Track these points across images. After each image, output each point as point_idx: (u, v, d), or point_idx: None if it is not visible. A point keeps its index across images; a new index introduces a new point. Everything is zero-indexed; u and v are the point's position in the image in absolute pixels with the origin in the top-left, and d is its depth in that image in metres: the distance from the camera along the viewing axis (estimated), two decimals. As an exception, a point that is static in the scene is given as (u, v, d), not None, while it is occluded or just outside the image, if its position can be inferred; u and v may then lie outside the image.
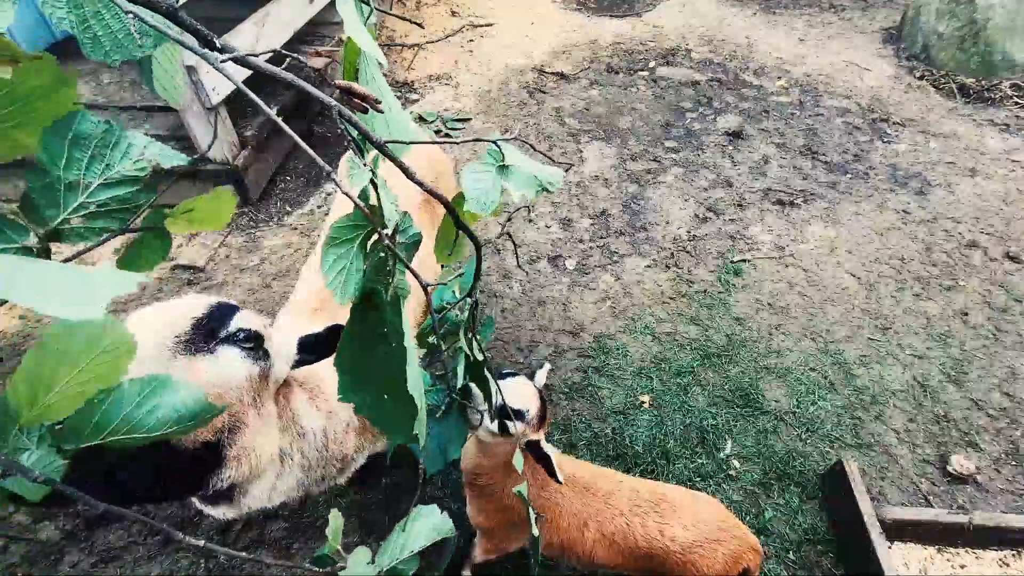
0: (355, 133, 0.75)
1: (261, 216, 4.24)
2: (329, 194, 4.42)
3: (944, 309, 3.63)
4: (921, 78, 5.84)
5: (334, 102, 0.72)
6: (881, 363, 3.33)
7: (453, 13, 7.03)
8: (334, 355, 0.88)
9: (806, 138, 5.08)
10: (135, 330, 1.10)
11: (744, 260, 3.96)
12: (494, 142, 0.91)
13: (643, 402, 3.12)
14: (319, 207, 4.32)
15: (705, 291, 3.74)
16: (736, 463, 2.88)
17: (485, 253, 3.97)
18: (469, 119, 5.20)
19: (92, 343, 0.62)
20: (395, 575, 0.90)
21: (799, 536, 2.62)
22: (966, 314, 3.59)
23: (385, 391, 0.88)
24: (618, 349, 3.38)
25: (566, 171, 4.71)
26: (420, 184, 0.76)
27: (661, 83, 5.81)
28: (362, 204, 0.73)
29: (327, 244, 0.76)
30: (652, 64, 6.10)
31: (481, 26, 6.73)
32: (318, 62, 5.08)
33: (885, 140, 5.06)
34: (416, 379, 0.84)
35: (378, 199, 0.77)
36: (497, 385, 1.32)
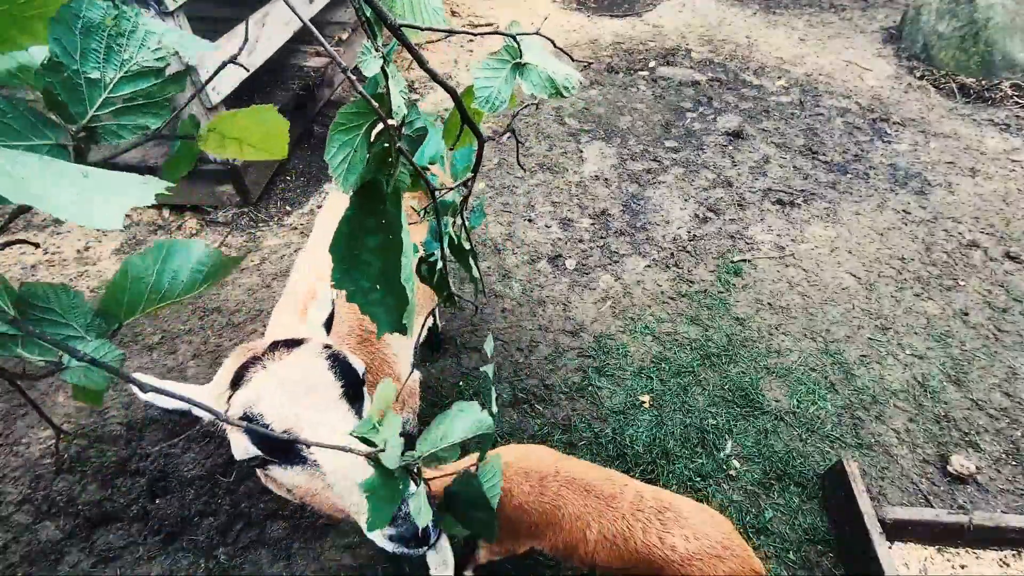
0: (369, 13, 0.72)
1: (261, 216, 4.24)
2: (329, 194, 4.42)
3: (944, 309, 3.63)
4: (921, 78, 5.83)
5: None
6: (881, 363, 3.33)
7: (453, 13, 7.03)
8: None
9: (806, 138, 5.08)
10: (313, 426, 1.13)
11: (744, 260, 3.96)
12: (513, 36, 0.88)
13: (643, 402, 3.12)
14: (319, 207, 4.32)
15: (705, 291, 3.74)
16: (736, 463, 2.88)
17: (484, 253, 3.97)
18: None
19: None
20: (436, 459, 0.91)
21: (799, 536, 2.62)
22: (966, 314, 3.59)
23: (378, 281, 0.88)
24: (618, 349, 3.38)
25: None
26: (431, 73, 0.74)
27: (661, 83, 5.81)
28: (367, 94, 0.71)
29: (333, 129, 0.74)
30: (652, 64, 6.10)
31: (481, 26, 6.73)
32: (318, 62, 5.09)
33: (885, 140, 5.06)
34: (409, 271, 0.84)
35: (387, 89, 0.75)
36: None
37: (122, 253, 3.91)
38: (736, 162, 4.82)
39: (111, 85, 0.69)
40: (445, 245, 1.04)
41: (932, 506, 2.70)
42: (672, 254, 4.01)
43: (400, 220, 0.84)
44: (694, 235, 4.15)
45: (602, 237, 4.12)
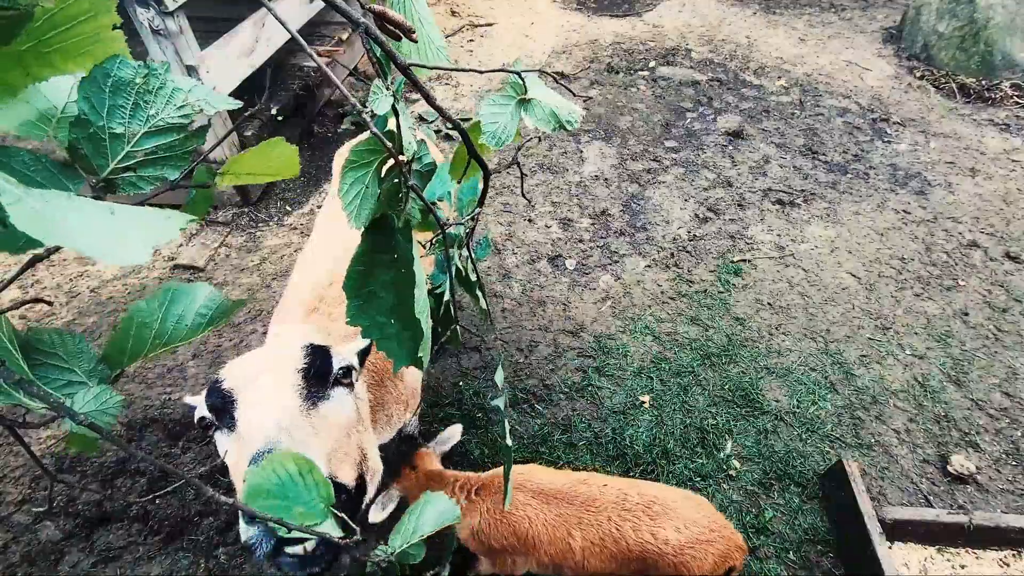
0: (379, 53, 0.74)
1: (261, 216, 4.24)
2: (328, 195, 4.43)
3: (944, 309, 3.63)
4: (921, 78, 5.84)
5: (360, 19, 0.71)
6: (881, 363, 3.33)
7: (453, 13, 7.03)
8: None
9: (806, 138, 5.07)
10: (255, 390, 1.15)
11: (744, 260, 3.96)
12: (518, 73, 0.90)
13: (643, 402, 3.12)
14: (319, 207, 4.32)
15: (705, 291, 3.74)
16: (736, 463, 2.88)
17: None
18: (469, 119, 5.20)
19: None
20: (405, 558, 0.91)
21: (799, 536, 2.62)
22: (966, 314, 3.59)
23: (392, 315, 0.89)
24: (618, 349, 3.38)
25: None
26: (440, 111, 0.76)
27: (661, 83, 5.81)
28: (378, 131, 0.73)
29: (346, 167, 0.76)
30: (652, 64, 6.10)
31: (481, 26, 6.73)
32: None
33: (885, 140, 5.06)
34: (423, 304, 0.86)
35: (397, 126, 0.77)
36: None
37: (122, 253, 3.91)
38: (736, 162, 4.82)
39: (134, 140, 0.71)
40: (453, 275, 1.05)
41: (932, 506, 2.70)
42: (672, 254, 4.01)
43: (412, 254, 0.86)
44: (694, 235, 4.15)
45: (602, 237, 4.12)
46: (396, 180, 0.82)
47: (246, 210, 4.25)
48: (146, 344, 0.72)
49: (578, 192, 4.51)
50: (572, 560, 1.92)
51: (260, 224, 4.18)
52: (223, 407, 1.22)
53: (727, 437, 2.98)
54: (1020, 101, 5.39)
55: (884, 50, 6.33)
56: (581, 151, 4.92)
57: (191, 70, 3.52)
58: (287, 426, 1.12)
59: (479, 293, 1.14)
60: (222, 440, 1.25)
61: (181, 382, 3.16)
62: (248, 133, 4.17)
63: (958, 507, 2.71)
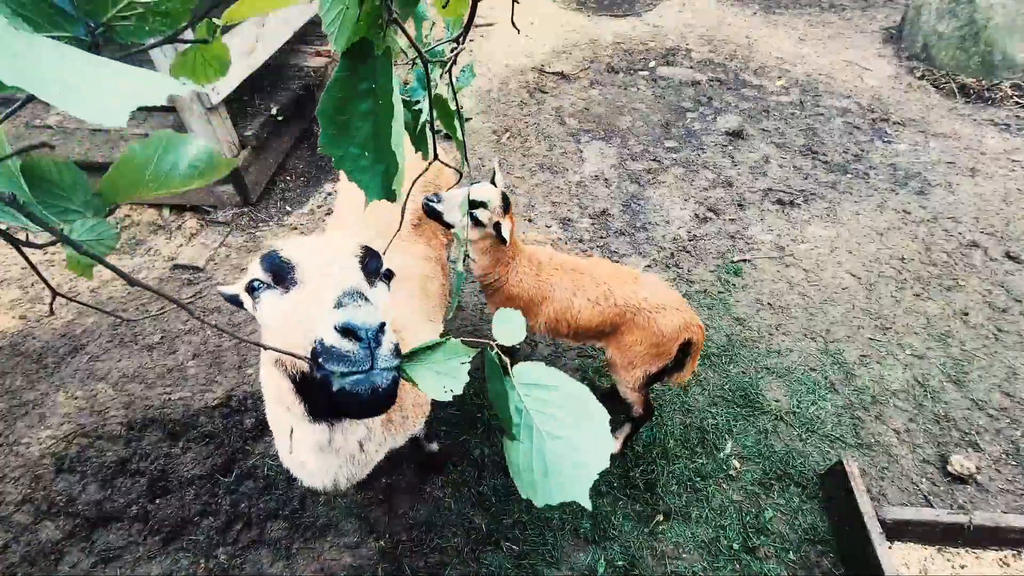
0: None
1: (261, 216, 4.24)
2: (329, 194, 4.42)
3: (944, 309, 3.63)
4: (921, 78, 5.84)
5: None
6: (881, 363, 3.33)
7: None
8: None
9: (806, 138, 5.08)
10: (341, 255, 1.25)
11: (744, 260, 3.96)
12: None
13: (643, 402, 3.12)
14: (319, 207, 4.32)
15: (705, 291, 3.74)
16: (736, 463, 2.88)
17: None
18: (469, 119, 5.20)
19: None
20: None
21: (799, 536, 2.62)
22: (966, 314, 3.59)
23: (367, 147, 0.87)
24: (618, 349, 3.38)
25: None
26: None
27: (661, 83, 5.81)
28: None
29: None
30: (652, 64, 6.10)
31: (481, 26, 6.73)
32: (318, 62, 5.09)
33: (885, 140, 5.06)
34: (399, 136, 0.84)
35: None
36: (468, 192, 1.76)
37: (121, 253, 3.91)
38: (736, 162, 4.82)
39: None
40: (431, 96, 1.01)
41: (932, 506, 2.70)
42: (672, 254, 4.01)
43: (391, 84, 0.83)
44: (694, 235, 4.15)
45: (602, 237, 4.12)
46: (377, 3, 0.80)
47: (246, 210, 4.25)
48: (139, 185, 0.73)
49: (578, 192, 4.51)
50: (570, 314, 2.45)
51: (260, 224, 4.17)
52: (281, 271, 1.24)
53: (727, 437, 2.98)
54: (1020, 101, 5.39)
55: (884, 50, 6.33)
56: (581, 151, 4.92)
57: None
58: (359, 285, 1.18)
59: (457, 124, 1.11)
60: (271, 300, 1.26)
61: (181, 382, 3.16)
62: (248, 133, 4.17)
63: (958, 507, 2.71)
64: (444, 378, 1.00)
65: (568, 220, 4.25)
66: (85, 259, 0.72)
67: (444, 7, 1.00)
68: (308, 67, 5.01)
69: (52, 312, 0.96)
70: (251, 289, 1.29)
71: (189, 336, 3.41)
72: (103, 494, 2.72)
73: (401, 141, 0.86)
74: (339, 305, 1.05)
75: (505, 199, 2.33)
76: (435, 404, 3.08)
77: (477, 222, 2.30)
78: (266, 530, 2.62)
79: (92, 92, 0.44)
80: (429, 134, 1.20)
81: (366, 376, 1.02)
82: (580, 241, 4.09)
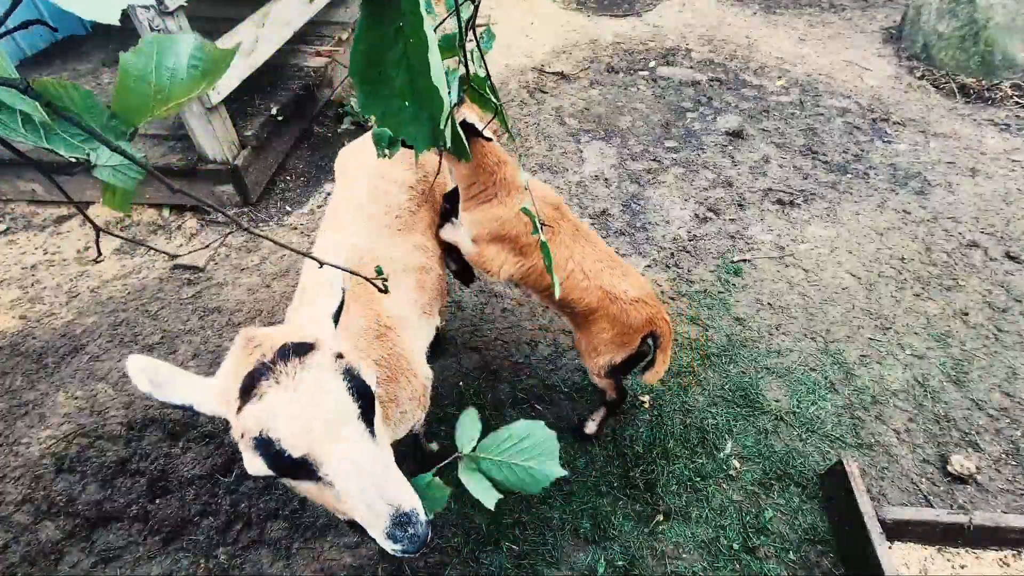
0: None
1: (261, 216, 4.24)
2: (329, 194, 4.42)
3: (944, 309, 3.63)
4: (921, 78, 5.84)
5: None
6: (881, 363, 3.33)
7: (453, 13, 7.02)
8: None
9: (806, 138, 5.08)
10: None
11: (744, 260, 3.96)
12: None
13: (643, 402, 3.12)
14: (319, 207, 4.32)
15: (705, 291, 3.74)
16: (736, 463, 2.88)
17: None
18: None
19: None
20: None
21: (799, 536, 2.62)
22: (966, 314, 3.59)
23: (406, 96, 0.82)
24: (618, 349, 3.38)
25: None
26: None
27: (661, 83, 5.81)
28: None
29: None
30: (652, 64, 6.10)
31: (481, 26, 6.73)
32: (318, 62, 5.09)
33: (885, 140, 5.06)
34: (439, 69, 0.78)
35: None
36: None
37: (122, 253, 3.91)
38: (736, 162, 4.82)
39: None
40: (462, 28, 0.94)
41: (932, 506, 2.70)
42: (672, 254, 4.01)
43: (420, 14, 0.77)
44: (694, 235, 4.15)
45: (602, 237, 4.12)
46: None
47: (246, 210, 4.25)
48: (148, 99, 0.69)
49: (578, 192, 4.51)
50: (559, 275, 2.35)
51: (260, 224, 4.18)
52: (296, 466, 1.20)
53: (727, 437, 2.98)
54: (1020, 101, 5.39)
55: (884, 50, 6.33)
56: (581, 151, 4.92)
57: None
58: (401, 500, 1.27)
59: (489, 92, 1.04)
60: (296, 484, 1.26)
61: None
62: (248, 133, 4.17)
63: (958, 507, 2.71)
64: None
65: (568, 220, 4.25)
66: (121, 188, 0.68)
67: None
68: (308, 67, 5.01)
69: (100, 253, 0.93)
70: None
71: (189, 336, 3.41)
72: (103, 494, 2.72)
73: (442, 75, 0.79)
74: (395, 538, 1.18)
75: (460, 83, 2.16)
76: (434, 403, 3.08)
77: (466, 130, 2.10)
78: (266, 530, 2.62)
79: None
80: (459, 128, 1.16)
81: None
82: (580, 241, 4.09)
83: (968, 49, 5.65)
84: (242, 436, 1.16)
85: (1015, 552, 2.44)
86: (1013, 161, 4.80)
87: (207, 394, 1.23)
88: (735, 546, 2.58)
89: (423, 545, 1.20)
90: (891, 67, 6.04)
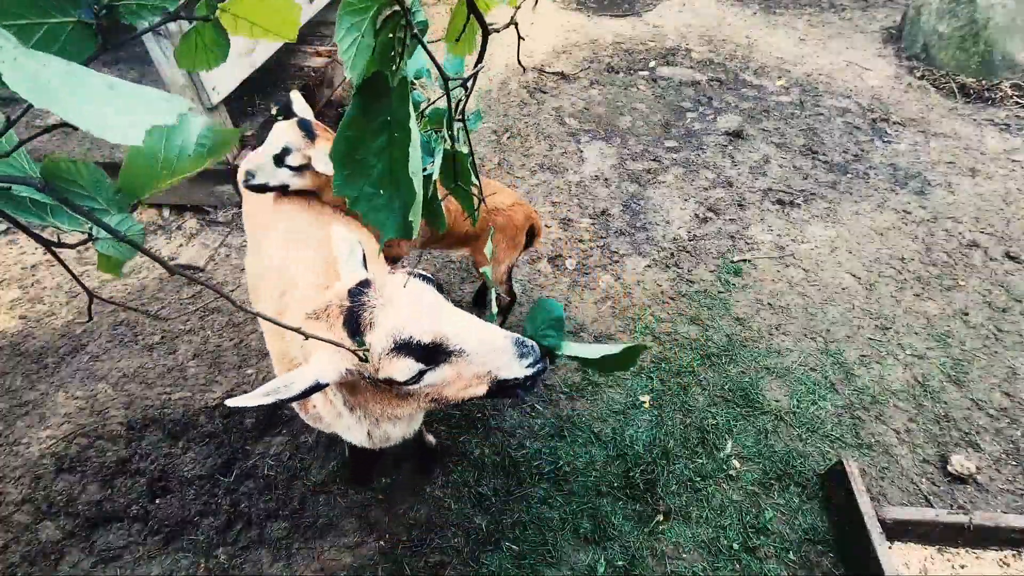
0: None
1: (261, 216, 4.24)
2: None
3: (944, 309, 3.63)
4: (921, 78, 5.84)
5: None
6: (881, 363, 3.33)
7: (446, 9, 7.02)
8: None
9: (806, 138, 5.07)
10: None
11: (744, 260, 3.96)
12: None
13: (643, 402, 3.12)
14: (319, 207, 4.32)
15: (705, 291, 3.74)
16: (736, 463, 2.88)
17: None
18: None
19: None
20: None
21: (799, 536, 2.62)
22: (966, 314, 3.59)
23: (382, 184, 0.87)
24: (618, 349, 3.38)
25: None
26: None
27: (661, 83, 5.81)
28: None
29: (342, 9, 0.74)
30: (652, 64, 6.10)
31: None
32: (318, 62, 5.09)
33: (885, 140, 5.06)
34: (417, 162, 0.83)
35: None
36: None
37: (122, 253, 3.91)
38: (736, 162, 4.82)
39: None
40: (443, 149, 1.01)
41: (932, 506, 2.70)
42: (672, 254, 4.01)
43: (408, 111, 0.82)
44: (694, 235, 4.15)
45: (602, 237, 4.12)
46: (391, 35, 0.79)
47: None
48: (155, 175, 0.74)
49: (578, 192, 4.51)
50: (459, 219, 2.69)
51: (260, 224, 4.17)
52: (435, 352, 1.42)
53: (727, 437, 2.98)
54: (1020, 101, 5.39)
55: (884, 50, 6.33)
56: (581, 151, 4.92)
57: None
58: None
59: (470, 168, 1.12)
60: (434, 373, 1.44)
61: (181, 382, 3.16)
62: (248, 133, 4.17)
63: (958, 507, 2.71)
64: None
65: (568, 220, 4.25)
66: (116, 258, 0.73)
67: (456, 41, 0.99)
68: (308, 67, 5.01)
69: (91, 317, 0.99)
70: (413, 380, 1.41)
71: (189, 336, 3.41)
72: (103, 494, 2.72)
73: (419, 168, 0.84)
74: (522, 354, 1.46)
75: (304, 125, 2.23)
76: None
77: (296, 170, 2.20)
78: (266, 530, 2.62)
79: (110, 113, 0.46)
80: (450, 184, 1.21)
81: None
82: (580, 241, 4.09)
83: (968, 49, 5.65)
84: (379, 359, 1.33)
85: (1015, 552, 2.44)
86: (1013, 161, 4.80)
87: (320, 368, 1.36)
88: (735, 546, 2.58)
89: (541, 357, 1.50)
90: (891, 67, 6.04)
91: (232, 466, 2.83)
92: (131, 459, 2.85)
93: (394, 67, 0.83)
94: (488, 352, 1.41)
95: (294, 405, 1.97)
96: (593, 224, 4.23)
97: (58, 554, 2.53)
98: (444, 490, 2.78)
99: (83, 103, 0.45)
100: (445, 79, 0.88)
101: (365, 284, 1.41)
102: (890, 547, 2.35)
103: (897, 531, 2.43)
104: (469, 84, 1.00)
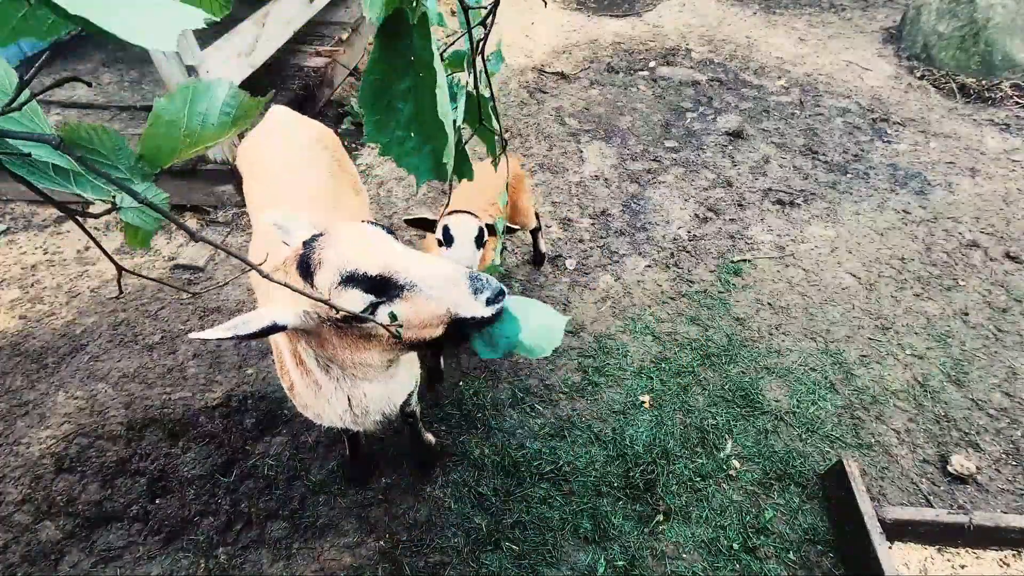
0: None
1: (261, 216, 4.24)
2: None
3: (944, 309, 3.63)
4: (921, 78, 5.84)
5: None
6: (881, 363, 3.33)
7: (453, 13, 7.02)
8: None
9: (806, 138, 5.08)
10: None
11: (744, 260, 3.96)
12: None
13: (643, 402, 3.12)
14: (319, 207, 4.32)
15: (705, 291, 3.74)
16: (736, 463, 2.88)
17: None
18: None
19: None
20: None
21: (799, 536, 2.62)
22: (966, 314, 3.59)
23: (411, 127, 0.85)
24: (618, 349, 3.38)
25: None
26: None
27: (661, 83, 5.81)
28: None
29: None
30: (652, 64, 6.10)
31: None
32: (318, 61, 5.09)
33: (885, 140, 5.06)
34: (446, 104, 0.81)
35: None
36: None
37: (122, 253, 3.91)
38: (736, 162, 4.82)
39: None
40: (470, 89, 0.97)
41: (932, 506, 2.70)
42: (672, 254, 4.01)
43: (431, 51, 0.79)
44: (694, 235, 4.15)
45: (602, 237, 4.12)
46: None
47: (246, 210, 4.24)
48: (177, 143, 0.71)
49: (578, 192, 4.51)
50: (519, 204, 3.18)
51: (260, 224, 4.17)
52: (385, 285, 1.44)
53: (727, 437, 2.98)
54: (1020, 101, 5.39)
55: (884, 50, 6.33)
56: (581, 151, 4.92)
57: (191, 70, 3.52)
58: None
59: (492, 113, 1.09)
60: (388, 307, 1.46)
61: (181, 382, 3.16)
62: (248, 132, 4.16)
63: (958, 507, 2.71)
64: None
65: (568, 220, 4.25)
66: (143, 229, 0.71)
67: None
68: (308, 67, 5.01)
69: (120, 290, 0.96)
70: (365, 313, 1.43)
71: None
72: (103, 494, 2.72)
73: (448, 110, 0.82)
74: (476, 289, 1.39)
75: (481, 233, 2.44)
76: (435, 404, 3.08)
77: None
78: (266, 530, 2.62)
79: (140, 20, 0.46)
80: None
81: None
82: (580, 241, 4.09)
83: (968, 49, 5.65)
84: (328, 292, 1.36)
85: (1015, 552, 2.44)
86: (1013, 161, 4.80)
87: (278, 310, 1.40)
88: (735, 546, 2.58)
89: (501, 292, 1.41)
90: (891, 67, 6.04)
91: (232, 466, 2.83)
92: (131, 459, 2.85)
93: (413, 2, 0.80)
94: (440, 284, 1.39)
95: (287, 391, 2.00)
96: (593, 224, 4.23)
97: (58, 554, 2.53)
98: (444, 490, 2.78)
99: (113, 8, 0.44)
100: (465, 7, 0.86)
101: (318, 235, 1.47)
102: (890, 547, 2.35)
103: (897, 531, 2.43)
104: (489, 20, 0.96)
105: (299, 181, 2.40)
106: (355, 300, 1.37)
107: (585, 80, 5.84)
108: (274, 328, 1.36)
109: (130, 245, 0.77)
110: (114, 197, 0.70)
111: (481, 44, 1.00)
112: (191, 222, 4.14)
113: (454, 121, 1.02)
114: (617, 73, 5.96)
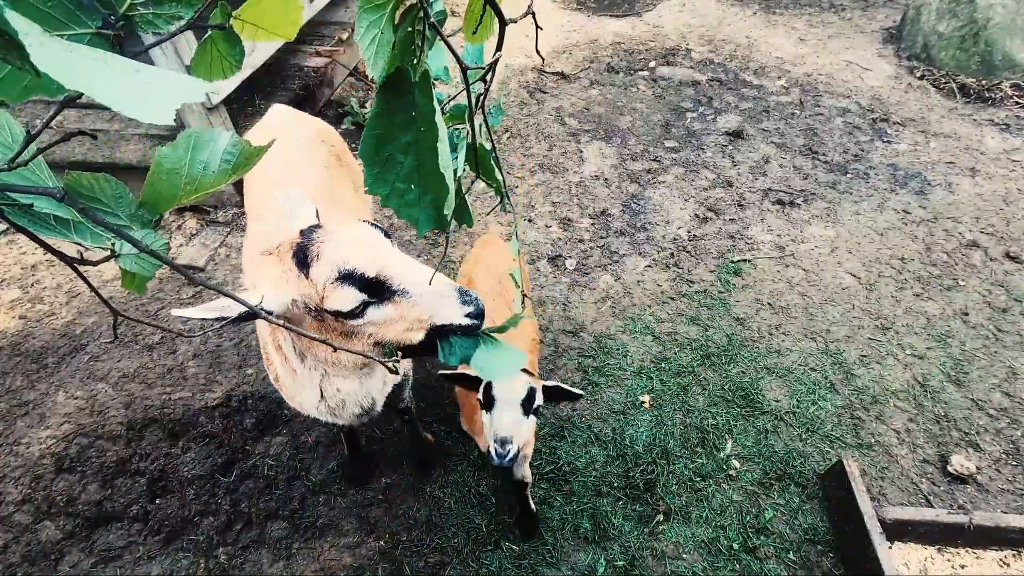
0: None
1: (261, 216, 4.24)
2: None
3: (944, 309, 3.63)
4: (921, 78, 5.83)
5: None
6: (881, 363, 3.33)
7: (452, 13, 7.02)
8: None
9: (806, 138, 5.07)
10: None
11: (744, 260, 3.96)
12: None
13: (643, 402, 3.12)
14: (319, 207, 4.32)
15: (705, 291, 3.74)
16: (736, 463, 2.88)
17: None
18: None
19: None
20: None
21: (799, 536, 2.62)
22: (966, 314, 3.59)
23: (412, 180, 0.86)
24: (618, 349, 3.38)
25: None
26: None
27: (661, 83, 5.81)
28: None
29: (361, 7, 0.74)
30: (652, 64, 6.10)
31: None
32: (318, 61, 5.09)
33: (885, 140, 5.06)
34: (447, 157, 0.82)
35: None
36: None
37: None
38: (736, 162, 4.82)
39: None
40: (469, 143, 1.00)
41: (932, 506, 2.70)
42: (672, 254, 4.01)
43: (432, 106, 0.81)
44: (694, 235, 4.15)
45: (602, 237, 4.12)
46: (410, 29, 0.79)
47: (246, 210, 4.24)
48: (177, 190, 0.73)
49: (578, 192, 4.51)
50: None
51: (260, 224, 4.17)
52: (378, 286, 1.47)
53: (727, 437, 2.98)
54: (1020, 101, 5.39)
55: (884, 50, 6.33)
56: (581, 151, 4.92)
57: (191, 70, 3.51)
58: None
59: (494, 164, 1.11)
60: (378, 310, 1.48)
61: (181, 382, 3.16)
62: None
63: (958, 507, 2.71)
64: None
65: (568, 220, 4.25)
66: (140, 275, 0.72)
67: (473, 33, 0.98)
68: (308, 67, 5.01)
69: (116, 337, 0.98)
70: (356, 312, 1.45)
71: (190, 336, 3.40)
72: (103, 494, 2.72)
73: (449, 163, 0.84)
74: (464, 302, 1.42)
75: (531, 396, 1.98)
76: (435, 404, 3.08)
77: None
78: (266, 530, 2.62)
79: (139, 94, 0.47)
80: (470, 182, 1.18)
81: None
82: (580, 241, 4.09)
83: (968, 49, 5.65)
84: (323, 287, 1.39)
85: (1015, 552, 2.44)
86: (1013, 161, 4.80)
87: (264, 295, 1.41)
88: (735, 546, 2.58)
89: (482, 315, 1.44)
90: (891, 67, 6.04)
91: (232, 466, 2.83)
92: (131, 459, 2.85)
93: (415, 60, 0.82)
94: (431, 296, 1.43)
95: (272, 382, 2.02)
96: (593, 224, 4.23)
97: (58, 554, 2.53)
98: (444, 490, 2.78)
99: (112, 84, 0.45)
100: (464, 69, 0.87)
101: (316, 227, 1.50)
102: (890, 547, 2.35)
103: (897, 531, 2.43)
104: (489, 76, 0.99)
105: (296, 180, 2.41)
106: (349, 297, 1.39)
107: (585, 80, 5.84)
108: (259, 313, 1.36)
109: (126, 289, 0.79)
110: (113, 244, 0.72)
111: (481, 99, 1.02)
112: (191, 222, 4.14)
113: (455, 171, 1.05)
114: (617, 73, 5.96)
